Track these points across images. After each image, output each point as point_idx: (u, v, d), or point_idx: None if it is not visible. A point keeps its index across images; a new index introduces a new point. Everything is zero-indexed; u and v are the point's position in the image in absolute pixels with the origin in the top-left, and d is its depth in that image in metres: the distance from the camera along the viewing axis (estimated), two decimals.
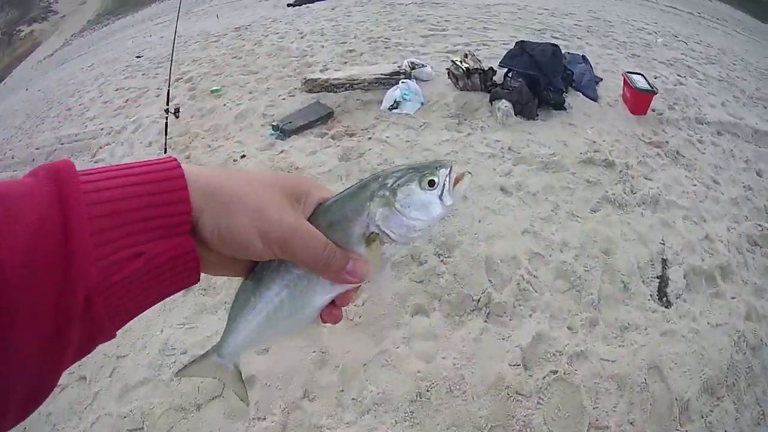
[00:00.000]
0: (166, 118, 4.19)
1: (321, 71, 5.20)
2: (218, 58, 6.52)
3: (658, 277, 2.64)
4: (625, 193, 3.13)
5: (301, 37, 6.82)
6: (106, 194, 0.31)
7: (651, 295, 2.52)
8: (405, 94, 4.44)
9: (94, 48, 14.31)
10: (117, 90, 6.83)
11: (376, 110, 4.36)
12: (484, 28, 6.87)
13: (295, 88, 4.88)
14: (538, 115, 4.09)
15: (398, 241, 0.43)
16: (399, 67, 4.89)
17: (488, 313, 2.25)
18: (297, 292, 0.43)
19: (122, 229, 0.31)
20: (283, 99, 4.68)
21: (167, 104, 4.20)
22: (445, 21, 7.16)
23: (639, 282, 2.54)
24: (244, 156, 3.80)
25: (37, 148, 5.91)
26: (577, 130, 3.89)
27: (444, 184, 0.44)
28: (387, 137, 3.79)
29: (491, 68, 4.58)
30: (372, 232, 0.42)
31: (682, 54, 6.87)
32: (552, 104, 4.22)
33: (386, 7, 8.36)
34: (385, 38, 6.34)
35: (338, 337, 2.21)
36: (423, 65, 4.96)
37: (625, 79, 4.48)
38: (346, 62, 5.59)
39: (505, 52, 4.86)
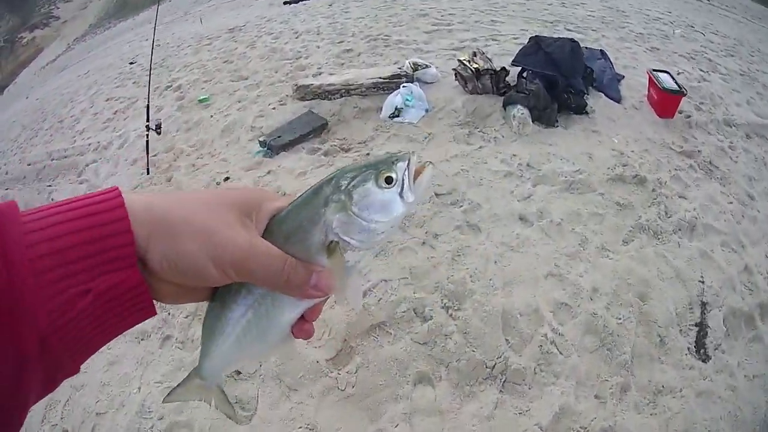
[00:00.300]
0: (147, 135, 3.87)
1: (314, 75, 4.81)
2: (209, 63, 6.17)
3: (696, 325, 2.26)
4: (659, 218, 2.72)
5: (296, 37, 6.42)
6: (46, 233, 0.30)
7: (688, 348, 2.17)
8: (407, 99, 4.03)
9: (93, 53, 14.03)
10: (107, 100, 6.57)
11: (375, 119, 3.97)
12: (491, 21, 6.39)
13: (287, 96, 4.49)
14: (557, 122, 3.65)
15: (360, 247, 0.39)
16: (400, 68, 4.45)
17: (504, 382, 1.88)
18: (262, 311, 0.40)
19: (66, 268, 0.30)
20: (273, 108, 4.31)
21: (147, 120, 3.87)
22: (450, 14, 6.70)
23: (676, 333, 2.18)
24: (228, 179, 3.44)
25: (29, 164, 5.74)
26: (602, 139, 3.46)
27: (403, 180, 0.40)
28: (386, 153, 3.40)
29: (503, 68, 4.12)
30: (332, 241, 0.38)
31: (701, 46, 6.34)
32: (573, 108, 3.76)
33: (386, 1, 7.89)
34: (385, 35, 5.90)
35: (328, 411, 1.88)
36: (427, 66, 4.50)
37: (650, 79, 4.03)
38: (343, 63, 5.19)
39: (517, 47, 4.43)
